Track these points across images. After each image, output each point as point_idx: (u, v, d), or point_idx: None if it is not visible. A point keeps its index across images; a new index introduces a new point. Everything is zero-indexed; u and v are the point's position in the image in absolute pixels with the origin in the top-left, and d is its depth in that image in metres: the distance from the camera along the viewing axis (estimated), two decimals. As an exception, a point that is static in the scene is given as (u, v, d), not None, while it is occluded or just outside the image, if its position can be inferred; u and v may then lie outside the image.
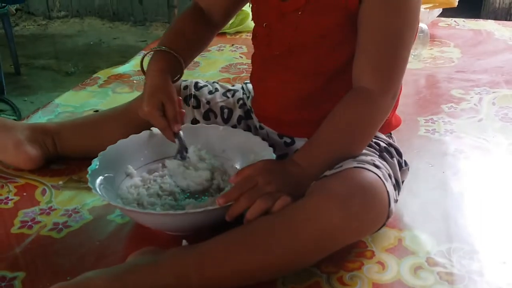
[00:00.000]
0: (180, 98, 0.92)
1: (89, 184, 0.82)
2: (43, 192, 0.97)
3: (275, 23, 0.89)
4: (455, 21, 1.99)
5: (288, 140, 0.95)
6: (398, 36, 0.81)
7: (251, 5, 0.96)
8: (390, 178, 0.82)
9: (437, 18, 1.93)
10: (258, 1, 0.92)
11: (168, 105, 0.88)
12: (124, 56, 3.32)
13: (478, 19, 2.05)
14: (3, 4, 2.88)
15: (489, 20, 2.03)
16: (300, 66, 0.88)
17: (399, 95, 0.92)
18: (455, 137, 1.16)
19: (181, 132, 0.91)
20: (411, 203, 0.93)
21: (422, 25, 1.62)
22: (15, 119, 2.50)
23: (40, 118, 1.24)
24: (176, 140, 0.91)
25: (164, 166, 0.95)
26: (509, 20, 3.51)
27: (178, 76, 0.95)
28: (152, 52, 0.93)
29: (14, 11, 4.06)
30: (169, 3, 3.53)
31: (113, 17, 4.09)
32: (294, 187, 0.77)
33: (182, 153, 0.92)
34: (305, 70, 0.88)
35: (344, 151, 0.81)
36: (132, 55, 2.49)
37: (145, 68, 0.94)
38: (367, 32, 0.81)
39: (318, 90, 0.89)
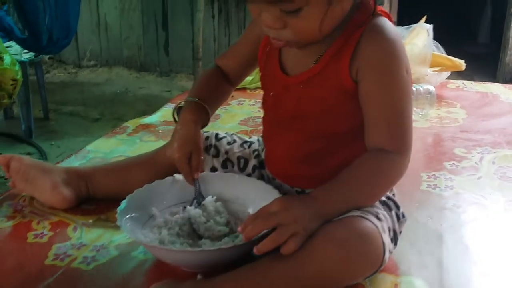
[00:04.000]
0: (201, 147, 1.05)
1: (117, 223, 0.92)
2: (75, 229, 1.07)
3: (280, 93, 1.00)
4: (463, 83, 2.09)
5: (299, 190, 1.05)
6: (401, 106, 0.91)
7: (260, 75, 1.08)
8: (389, 231, 0.91)
9: (446, 80, 2.03)
10: (266, 73, 1.04)
11: (194, 155, 1.03)
12: (149, 105, 3.46)
13: (486, 82, 2.15)
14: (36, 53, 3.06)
15: (497, 84, 2.13)
16: (303, 130, 0.98)
17: None
18: (455, 193, 1.24)
19: (198, 181, 1.05)
20: (408, 252, 1.00)
21: (430, 87, 1.73)
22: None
23: (73, 162, 1.36)
24: (195, 185, 1.04)
25: (184, 208, 1.05)
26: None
27: (204, 126, 1.09)
28: (182, 102, 1.09)
29: (47, 59, 4.27)
30: (194, 55, 3.70)
31: (140, 68, 4.27)
32: (308, 222, 0.84)
33: (199, 199, 1.04)
34: (307, 133, 0.98)
35: (359, 201, 0.89)
36: (157, 104, 2.63)
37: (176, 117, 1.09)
38: (373, 108, 0.91)
39: (321, 150, 0.98)
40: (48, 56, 4.25)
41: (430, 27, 1.92)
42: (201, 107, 1.07)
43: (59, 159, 2.69)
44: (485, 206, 1.19)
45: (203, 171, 1.05)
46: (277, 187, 1.05)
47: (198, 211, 1.01)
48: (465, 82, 2.10)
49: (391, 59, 0.91)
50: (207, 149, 1.15)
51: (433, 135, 1.60)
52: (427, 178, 1.31)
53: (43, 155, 2.77)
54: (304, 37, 0.89)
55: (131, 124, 1.63)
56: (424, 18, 2.05)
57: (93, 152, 1.43)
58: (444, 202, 1.20)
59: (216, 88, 1.13)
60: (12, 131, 3.05)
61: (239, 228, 0.85)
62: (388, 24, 0.92)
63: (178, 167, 1.03)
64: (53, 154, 2.81)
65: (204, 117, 1.07)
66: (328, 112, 0.96)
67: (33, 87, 3.03)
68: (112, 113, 3.45)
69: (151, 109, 1.81)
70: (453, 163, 1.39)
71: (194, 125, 1.05)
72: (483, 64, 3.93)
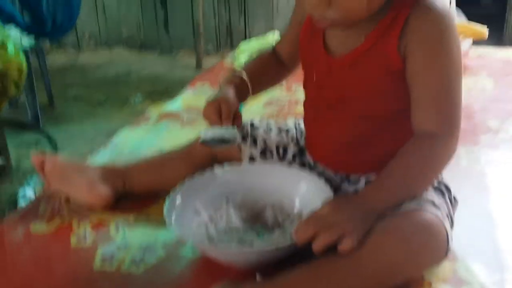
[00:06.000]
0: (241, 114, 1.01)
1: (167, 225, 0.90)
2: (116, 229, 1.04)
3: (324, 75, 0.96)
4: (485, 51, 2.04)
5: (343, 175, 1.02)
6: (451, 85, 0.88)
7: (301, 56, 1.04)
8: (447, 217, 0.89)
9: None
10: (309, 54, 1.00)
11: (223, 106, 0.96)
12: (154, 86, 3.41)
13: (503, 46, 2.09)
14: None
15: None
16: (348, 113, 0.95)
17: None
18: (496, 168, 1.21)
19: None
20: (460, 235, 0.95)
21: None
22: (53, 150, 2.59)
23: (103, 157, 1.32)
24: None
25: (228, 201, 1.02)
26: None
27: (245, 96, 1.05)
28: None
29: (47, 44, 4.19)
30: (194, 32, 3.64)
31: (141, 47, 4.20)
32: (360, 221, 0.82)
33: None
34: (353, 116, 0.95)
35: (410, 192, 0.87)
36: (162, 85, 2.55)
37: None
38: (421, 88, 0.88)
39: (368, 133, 0.96)
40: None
41: (453, -5, 1.86)
42: (241, 79, 1.04)
43: (69, 146, 2.66)
44: (531, 181, 1.16)
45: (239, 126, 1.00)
46: (319, 173, 1.03)
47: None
48: (487, 49, 2.05)
49: (441, 34, 0.87)
50: (243, 138, 1.11)
51: (463, 107, 1.55)
52: (465, 154, 1.28)
53: (52, 143, 2.73)
54: (350, 15, 0.85)
55: (153, 112, 1.59)
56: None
57: (121, 145, 1.39)
58: (487, 179, 1.17)
59: (263, 67, 1.11)
60: (19, 118, 3.00)
61: (293, 234, 0.83)
62: None
63: (208, 119, 0.97)
64: (62, 141, 2.78)
65: (241, 85, 1.03)
66: (374, 95, 0.92)
67: (35, 74, 2.97)
68: (118, 95, 3.39)
69: (158, 91, 1.76)
70: (490, 136, 1.36)
71: (225, 86, 1.01)
72: (488, 26, 3.86)
